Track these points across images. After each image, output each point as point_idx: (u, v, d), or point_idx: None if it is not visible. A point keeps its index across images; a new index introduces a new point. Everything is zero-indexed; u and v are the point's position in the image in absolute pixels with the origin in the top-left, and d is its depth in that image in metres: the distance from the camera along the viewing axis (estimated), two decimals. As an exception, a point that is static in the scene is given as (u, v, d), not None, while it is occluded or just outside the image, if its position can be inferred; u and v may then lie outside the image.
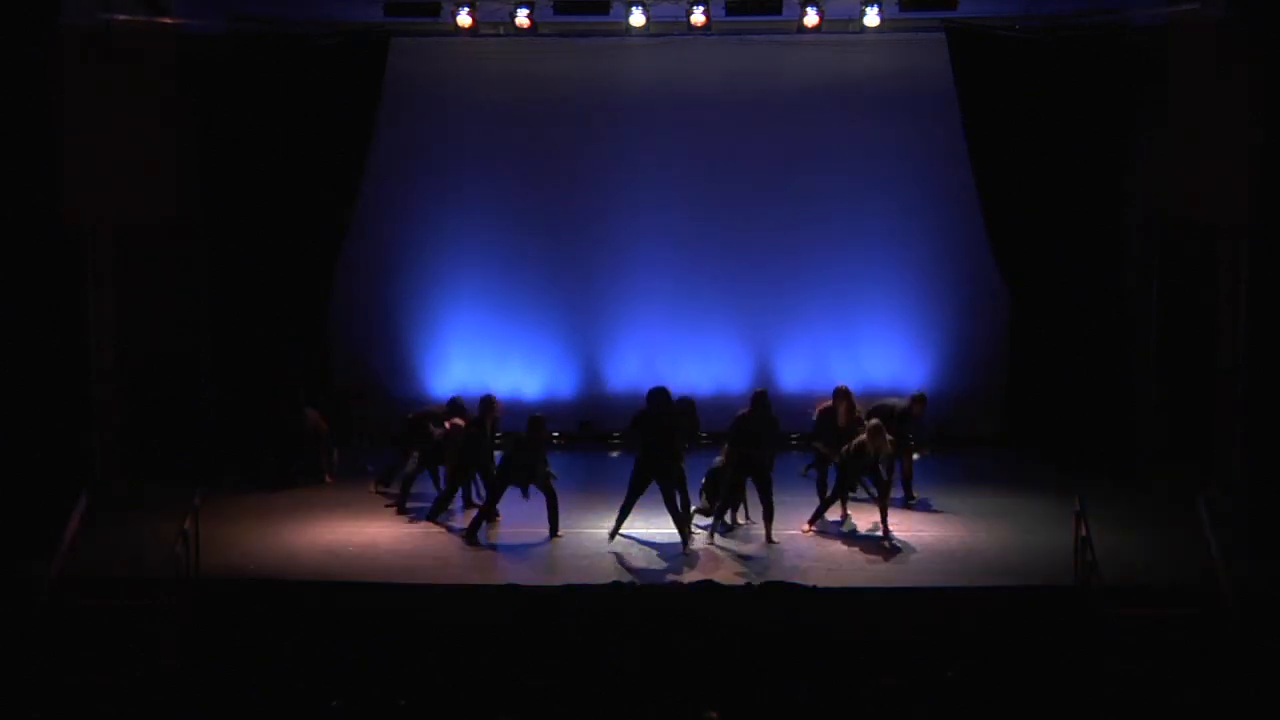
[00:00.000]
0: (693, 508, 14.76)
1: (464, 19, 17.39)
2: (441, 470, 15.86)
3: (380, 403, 18.57)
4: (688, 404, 15.22)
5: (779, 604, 12.84)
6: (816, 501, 15.15)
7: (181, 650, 12.48)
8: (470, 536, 14.63)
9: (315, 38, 17.92)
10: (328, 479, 16.88)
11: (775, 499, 14.55)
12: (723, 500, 14.75)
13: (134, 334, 17.23)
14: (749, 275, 18.96)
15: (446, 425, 15.62)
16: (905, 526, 14.88)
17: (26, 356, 14.15)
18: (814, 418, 15.79)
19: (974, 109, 17.72)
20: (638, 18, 17.32)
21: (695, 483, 14.91)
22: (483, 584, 13.54)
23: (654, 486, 14.36)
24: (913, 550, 14.31)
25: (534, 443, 14.79)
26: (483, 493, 15.38)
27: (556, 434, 18.86)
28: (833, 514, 15.17)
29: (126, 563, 13.61)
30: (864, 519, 15.12)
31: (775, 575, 13.46)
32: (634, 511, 14.47)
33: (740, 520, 15.04)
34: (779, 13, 17.31)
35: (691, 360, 18.90)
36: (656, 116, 18.73)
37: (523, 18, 17.43)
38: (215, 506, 15.04)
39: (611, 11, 17.48)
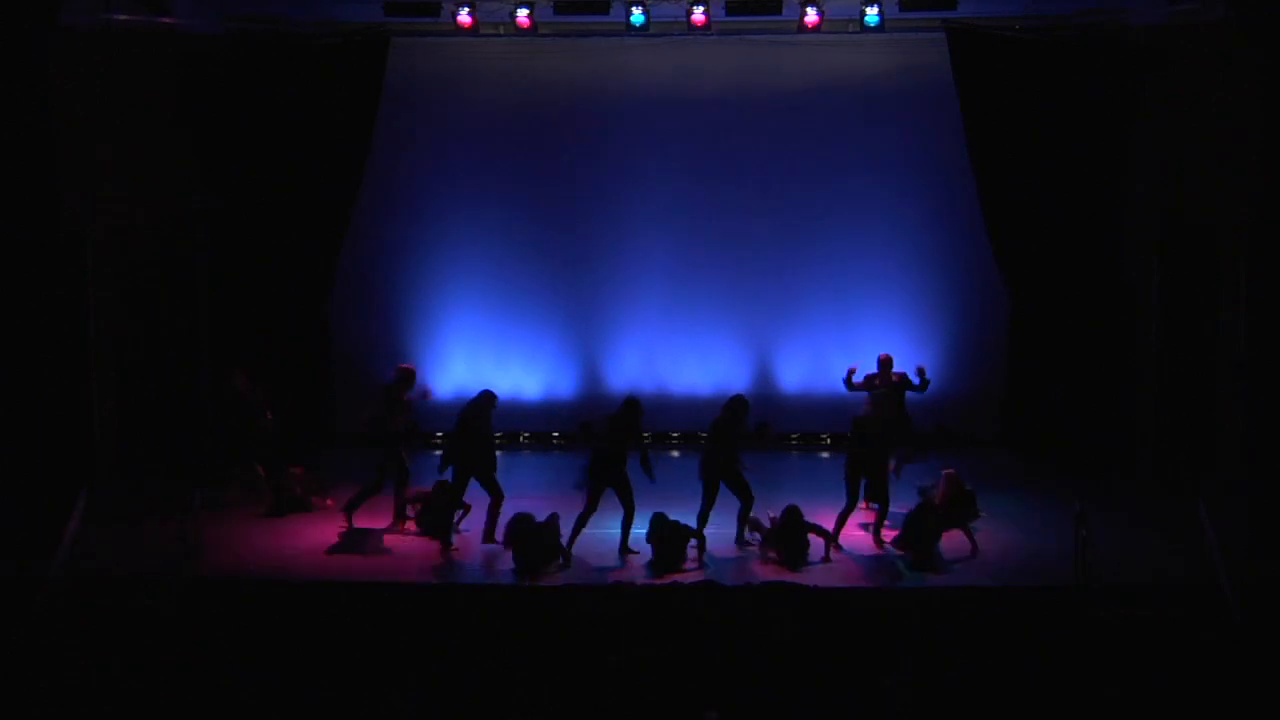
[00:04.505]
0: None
1: (464, 19, 17.40)
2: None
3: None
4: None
5: (779, 604, 12.85)
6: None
7: (181, 650, 12.49)
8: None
9: (315, 38, 17.90)
10: (329, 503, 15.97)
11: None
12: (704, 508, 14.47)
13: (134, 334, 17.22)
14: (749, 275, 18.94)
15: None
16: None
17: (26, 356, 14.14)
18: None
19: (974, 109, 17.70)
20: (638, 17, 17.30)
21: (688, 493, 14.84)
22: (483, 584, 13.54)
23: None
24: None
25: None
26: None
27: (556, 434, 18.85)
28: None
29: (126, 563, 13.62)
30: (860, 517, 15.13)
31: (775, 575, 13.47)
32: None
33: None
34: (779, 13, 17.29)
35: (691, 360, 18.90)
36: (656, 116, 18.72)
37: (523, 18, 17.44)
38: (215, 506, 15.10)
39: (611, 11, 17.47)
